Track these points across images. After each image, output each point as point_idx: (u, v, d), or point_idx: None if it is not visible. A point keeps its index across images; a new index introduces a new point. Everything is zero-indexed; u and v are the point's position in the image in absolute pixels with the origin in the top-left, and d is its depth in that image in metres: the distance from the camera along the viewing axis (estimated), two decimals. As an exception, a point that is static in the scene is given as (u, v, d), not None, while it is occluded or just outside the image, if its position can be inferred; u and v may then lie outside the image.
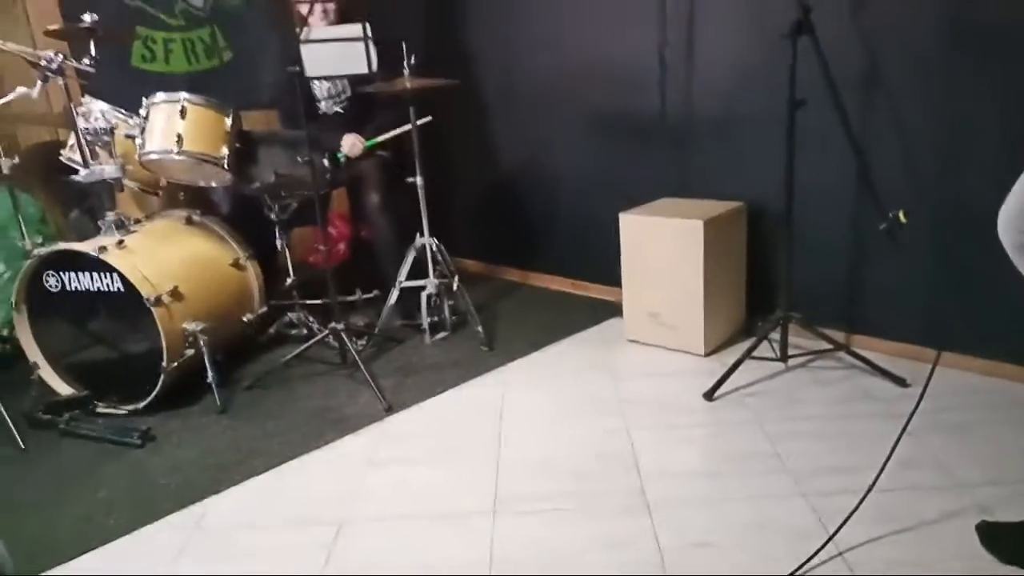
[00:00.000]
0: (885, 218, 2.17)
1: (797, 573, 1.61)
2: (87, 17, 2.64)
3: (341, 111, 3.35)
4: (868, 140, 2.47)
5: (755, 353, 2.49)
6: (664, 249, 2.73)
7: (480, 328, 3.00)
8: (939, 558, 1.63)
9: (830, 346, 2.53)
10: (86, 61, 2.65)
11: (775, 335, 2.54)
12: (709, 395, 2.42)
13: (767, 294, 2.83)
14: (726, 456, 2.12)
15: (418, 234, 3.00)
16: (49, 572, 1.80)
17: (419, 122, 2.89)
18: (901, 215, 2.18)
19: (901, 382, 2.39)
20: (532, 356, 2.90)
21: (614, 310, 3.15)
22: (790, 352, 2.54)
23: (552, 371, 2.76)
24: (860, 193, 2.54)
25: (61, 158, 2.92)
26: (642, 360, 2.80)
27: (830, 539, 1.68)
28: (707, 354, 2.74)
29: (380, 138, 3.09)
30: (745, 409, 2.35)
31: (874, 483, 1.69)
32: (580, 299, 3.50)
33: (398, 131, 3.03)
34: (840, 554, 1.66)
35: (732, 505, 1.88)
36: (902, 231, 2.18)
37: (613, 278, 3.08)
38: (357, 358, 2.65)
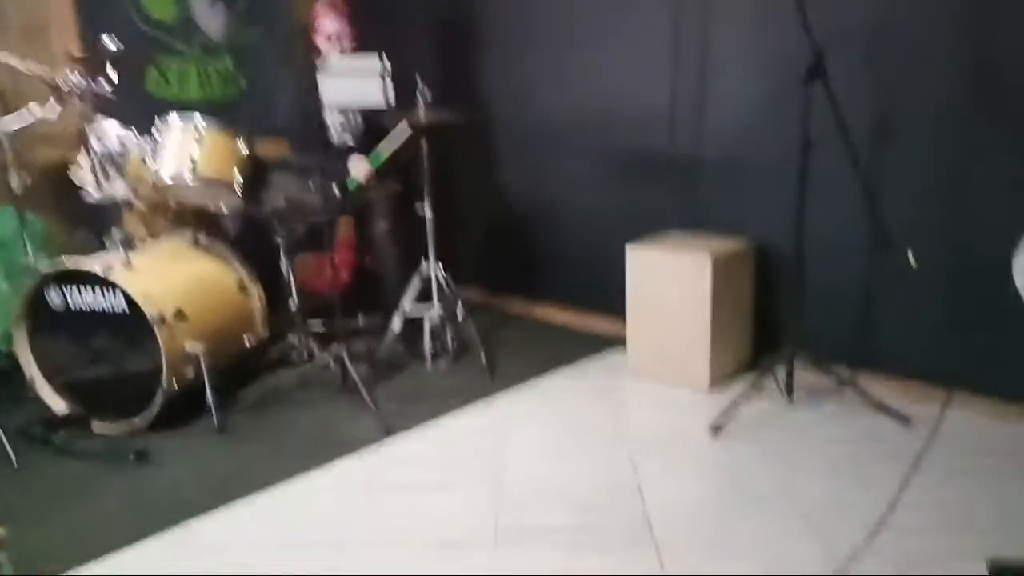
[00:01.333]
0: (894, 259, 2.19)
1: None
2: (109, 43, 2.68)
3: (352, 143, 3.39)
4: (878, 179, 2.49)
5: (761, 389, 2.47)
6: (671, 283, 2.73)
7: (483, 356, 2.98)
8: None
9: (836, 383, 2.51)
10: (105, 85, 2.69)
11: (781, 371, 2.53)
12: (715, 430, 2.40)
13: (774, 330, 2.83)
14: (733, 491, 2.09)
15: (424, 261, 3.01)
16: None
17: (402, 135, 2.88)
18: (911, 258, 2.20)
19: (905, 421, 2.37)
20: (535, 386, 2.87)
21: (618, 342, 3.13)
22: (796, 389, 2.53)
23: (555, 401, 2.74)
24: (867, 233, 2.55)
25: (71, 177, 2.95)
26: (646, 393, 2.78)
27: None
28: (712, 389, 2.72)
29: (382, 153, 3.08)
30: (751, 444, 2.32)
31: (882, 522, 1.67)
32: (584, 331, 3.48)
33: (395, 144, 3.01)
34: (850, 590, 1.62)
35: (740, 541, 1.85)
36: (911, 272, 2.19)
37: (617, 310, 3.07)
38: (358, 382, 2.63)
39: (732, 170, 2.91)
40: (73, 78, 2.64)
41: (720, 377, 2.76)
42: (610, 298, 3.11)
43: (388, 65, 2.75)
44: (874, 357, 2.65)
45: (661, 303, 2.78)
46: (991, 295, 2.31)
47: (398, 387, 2.90)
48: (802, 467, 2.17)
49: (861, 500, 1.97)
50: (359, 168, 3.12)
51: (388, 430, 2.49)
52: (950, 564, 1.70)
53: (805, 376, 2.58)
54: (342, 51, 3.23)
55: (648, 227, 3.04)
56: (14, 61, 2.74)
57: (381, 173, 3.20)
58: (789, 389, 2.52)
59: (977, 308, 2.38)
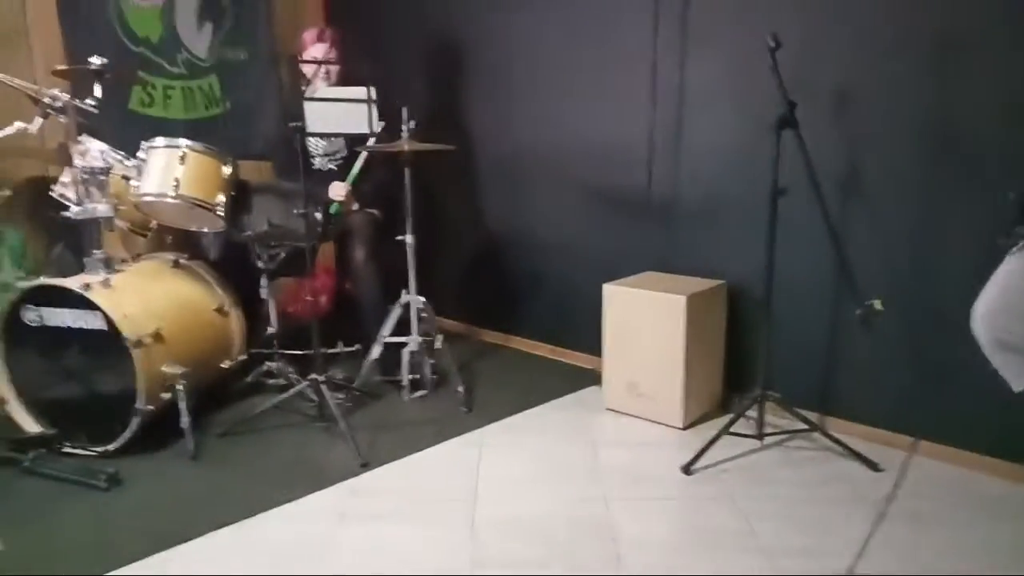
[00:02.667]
0: (861, 305, 2.27)
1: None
2: (96, 59, 2.69)
3: (335, 168, 3.42)
4: (847, 230, 2.58)
5: (732, 429, 2.53)
6: (646, 321, 2.79)
7: (460, 388, 3.00)
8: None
9: (805, 426, 2.58)
10: (89, 101, 2.68)
11: (752, 412, 2.59)
12: (687, 468, 2.44)
13: (745, 372, 2.89)
14: (702, 530, 2.13)
15: (404, 291, 3.03)
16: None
17: (367, 150, 3.01)
18: (877, 303, 2.27)
19: (873, 466, 2.44)
20: (511, 419, 2.90)
21: (593, 378, 3.18)
22: (766, 430, 2.59)
23: (530, 435, 2.77)
24: (837, 280, 2.64)
25: (52, 193, 2.93)
26: (620, 429, 2.82)
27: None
28: (685, 427, 2.78)
29: (355, 170, 3.15)
30: (721, 484, 2.37)
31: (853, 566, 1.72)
32: (560, 365, 3.53)
33: (361, 160, 3.15)
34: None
35: (708, 580, 1.89)
36: (878, 319, 2.27)
37: (593, 347, 3.12)
38: (335, 411, 2.63)
39: (707, 212, 2.99)
40: (57, 93, 2.63)
41: (693, 415, 2.82)
42: (588, 334, 3.16)
43: (374, 94, 2.79)
44: (842, 403, 2.72)
45: (636, 341, 2.83)
46: (953, 347, 2.41)
47: (375, 417, 2.91)
48: (770, 509, 2.22)
49: (825, 544, 2.02)
50: (337, 190, 3.15)
51: (363, 461, 2.49)
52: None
53: (775, 419, 2.64)
54: (328, 78, 3.27)
55: (625, 265, 3.10)
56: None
57: (361, 198, 3.24)
58: (760, 431, 2.58)
59: (940, 359, 2.47)
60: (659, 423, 2.81)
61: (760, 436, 2.58)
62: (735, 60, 2.81)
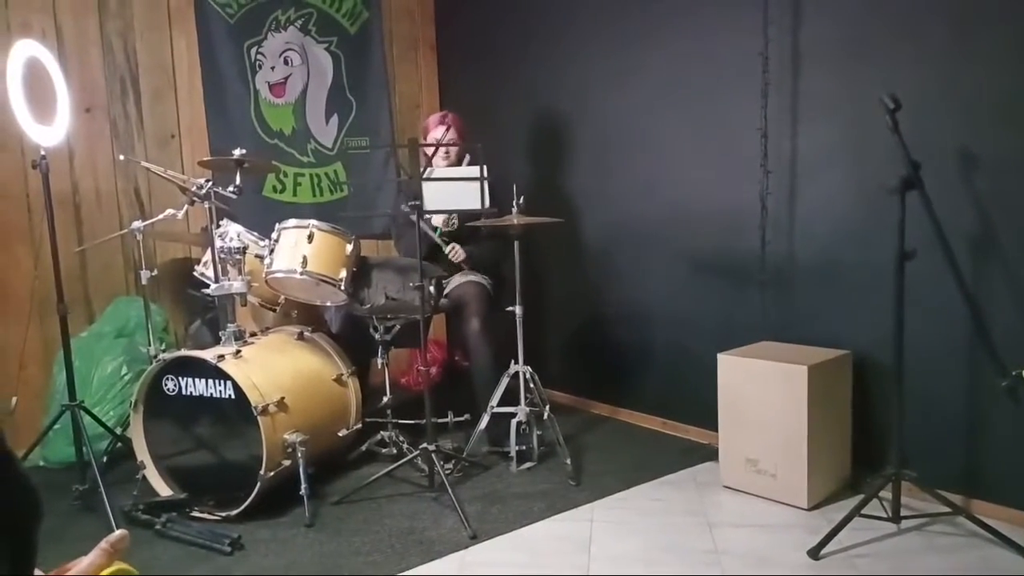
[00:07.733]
0: (1006, 375, 2.08)
1: None
2: (237, 151, 2.96)
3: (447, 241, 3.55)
4: (983, 296, 2.40)
5: (864, 511, 2.34)
6: (765, 393, 2.67)
7: (568, 461, 2.95)
8: None
9: (947, 509, 2.35)
10: (231, 188, 2.94)
11: (885, 493, 2.39)
12: (815, 553, 2.27)
13: (874, 448, 2.69)
14: (835, 622, 1.96)
15: (512, 361, 3.06)
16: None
17: (480, 225, 3.06)
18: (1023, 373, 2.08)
19: (1031, 556, 2.18)
20: (621, 495, 2.81)
21: (707, 454, 3.05)
22: (903, 513, 2.37)
23: (643, 513, 2.66)
24: (975, 347, 2.44)
25: (195, 273, 3.20)
26: (739, 509, 2.67)
27: None
28: (810, 508, 2.59)
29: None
30: (854, 572, 2.18)
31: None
32: (671, 439, 3.41)
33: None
34: None
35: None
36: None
37: (707, 420, 3.01)
38: (445, 481, 2.65)
39: (827, 277, 2.87)
40: (201, 182, 2.90)
41: (819, 495, 2.63)
42: (701, 407, 3.05)
43: (486, 172, 2.91)
44: (989, 484, 2.47)
45: (754, 414, 2.71)
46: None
47: (483, 487, 2.90)
48: (913, 601, 2.02)
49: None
50: (457, 253, 3.32)
51: (472, 533, 2.48)
52: None
53: (912, 500, 2.43)
54: (447, 158, 3.44)
55: (738, 334, 3.00)
56: (156, 168, 3.06)
57: (472, 264, 3.38)
58: (896, 513, 2.37)
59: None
60: (781, 503, 2.64)
61: (897, 519, 2.37)
62: (850, 122, 2.74)
